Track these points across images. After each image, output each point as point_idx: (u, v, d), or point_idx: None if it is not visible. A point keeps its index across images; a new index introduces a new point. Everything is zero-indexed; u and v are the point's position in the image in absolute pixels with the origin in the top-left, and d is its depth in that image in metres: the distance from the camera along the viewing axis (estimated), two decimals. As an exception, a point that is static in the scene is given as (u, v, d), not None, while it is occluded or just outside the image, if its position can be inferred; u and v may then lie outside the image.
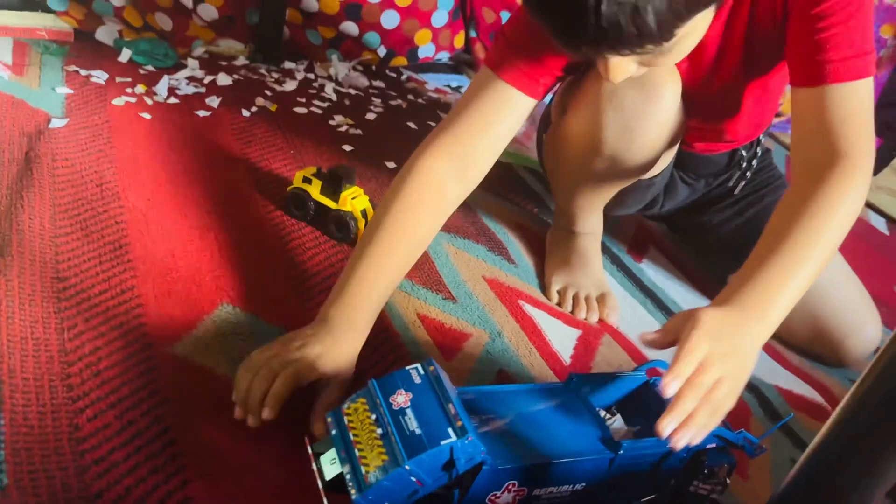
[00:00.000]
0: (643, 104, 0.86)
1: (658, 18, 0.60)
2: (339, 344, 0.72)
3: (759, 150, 1.07)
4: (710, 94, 0.90)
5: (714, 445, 0.69)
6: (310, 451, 0.62)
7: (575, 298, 1.01)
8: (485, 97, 0.82)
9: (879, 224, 1.56)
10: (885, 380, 0.48)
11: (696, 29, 0.68)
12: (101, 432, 0.64)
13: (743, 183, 1.09)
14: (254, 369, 0.69)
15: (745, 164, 1.07)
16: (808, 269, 0.68)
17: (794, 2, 0.77)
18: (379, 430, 0.59)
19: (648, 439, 0.67)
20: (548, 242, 1.11)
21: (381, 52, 1.63)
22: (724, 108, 0.94)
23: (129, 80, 1.29)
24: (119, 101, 1.21)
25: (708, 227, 1.11)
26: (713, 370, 0.60)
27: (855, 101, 0.74)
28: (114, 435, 0.64)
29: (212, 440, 0.67)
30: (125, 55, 1.36)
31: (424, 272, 0.98)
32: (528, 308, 0.99)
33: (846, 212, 0.71)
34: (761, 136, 1.05)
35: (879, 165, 1.66)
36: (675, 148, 0.97)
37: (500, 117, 0.83)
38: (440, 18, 1.65)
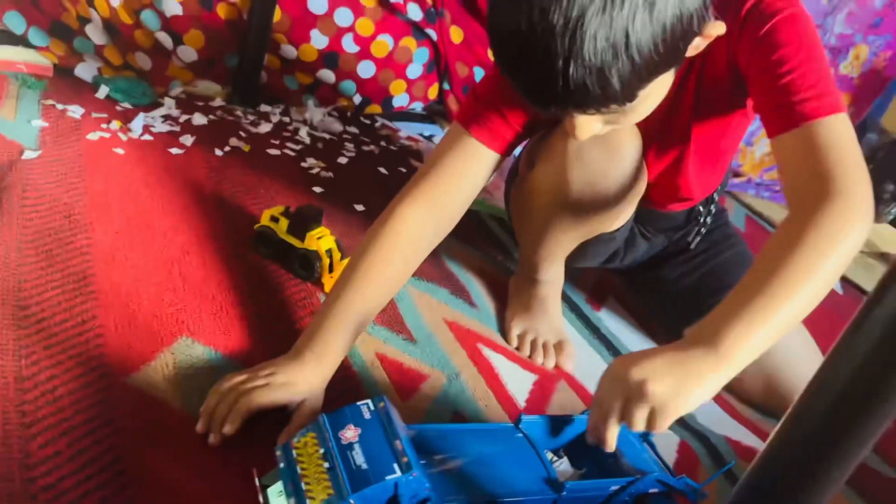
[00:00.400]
0: (606, 162, 0.89)
1: (622, 80, 0.64)
2: (306, 372, 0.77)
3: (713, 207, 1.11)
4: (663, 150, 0.95)
5: (657, 490, 0.71)
6: (257, 483, 0.63)
7: (533, 344, 1.04)
8: (456, 150, 0.88)
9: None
10: (807, 419, 0.51)
11: (657, 89, 0.73)
12: (51, 460, 0.65)
13: (699, 238, 1.13)
14: (223, 390, 0.74)
15: (702, 220, 1.11)
16: (790, 308, 0.65)
17: (747, 61, 0.79)
18: (326, 464, 0.60)
19: (592, 481, 0.69)
20: (510, 288, 1.14)
21: (357, 99, 1.67)
22: (676, 166, 0.98)
23: (105, 115, 1.31)
24: (93, 136, 1.22)
25: (665, 280, 1.15)
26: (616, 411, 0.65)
27: (834, 134, 0.72)
28: (64, 462, 0.65)
29: (163, 472, 0.67)
30: (102, 92, 1.38)
31: (386, 313, 1.00)
32: (487, 351, 1.00)
33: (842, 242, 0.67)
34: (715, 194, 1.10)
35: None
36: (636, 203, 1.01)
37: (470, 170, 0.89)
38: (415, 71, 1.70)
